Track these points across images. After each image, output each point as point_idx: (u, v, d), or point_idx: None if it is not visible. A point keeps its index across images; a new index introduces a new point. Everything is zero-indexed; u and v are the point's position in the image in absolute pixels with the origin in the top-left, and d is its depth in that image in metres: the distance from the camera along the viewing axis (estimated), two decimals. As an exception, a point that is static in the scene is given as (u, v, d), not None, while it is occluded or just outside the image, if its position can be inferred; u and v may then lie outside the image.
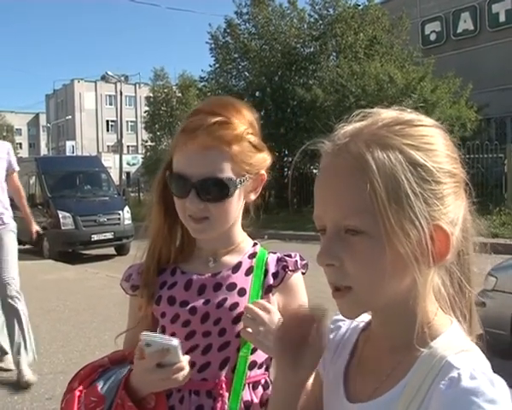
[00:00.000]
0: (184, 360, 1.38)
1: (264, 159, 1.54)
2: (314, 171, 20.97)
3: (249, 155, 1.48)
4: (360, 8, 25.26)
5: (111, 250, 16.55)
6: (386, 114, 0.99)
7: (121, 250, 16.51)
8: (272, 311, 1.47)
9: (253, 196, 1.57)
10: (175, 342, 1.34)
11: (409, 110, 1.00)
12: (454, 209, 0.95)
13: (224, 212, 1.48)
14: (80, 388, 1.48)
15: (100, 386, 1.46)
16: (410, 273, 0.92)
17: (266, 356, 1.56)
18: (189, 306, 1.53)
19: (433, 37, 27.82)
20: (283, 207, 20.78)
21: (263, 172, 1.55)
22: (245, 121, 1.49)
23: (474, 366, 0.87)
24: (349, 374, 1.10)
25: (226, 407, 1.47)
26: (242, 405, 1.49)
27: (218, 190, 1.45)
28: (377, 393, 0.98)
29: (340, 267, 0.94)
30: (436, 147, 0.95)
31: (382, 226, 0.90)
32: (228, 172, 1.44)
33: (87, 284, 11.47)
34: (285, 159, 22.12)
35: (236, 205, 1.51)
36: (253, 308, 1.47)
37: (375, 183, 0.89)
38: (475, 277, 1.06)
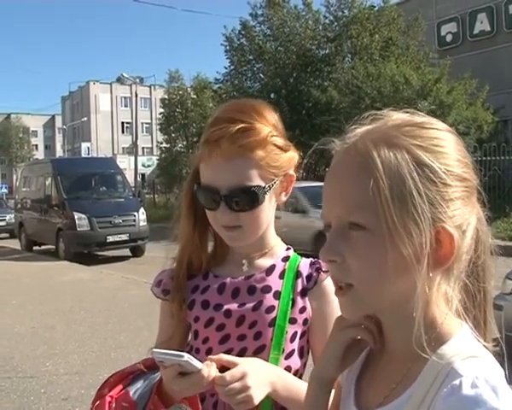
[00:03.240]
0: (204, 368, 1.29)
1: (290, 158, 1.50)
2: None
3: (275, 157, 1.45)
4: (375, 9, 25.25)
5: (126, 252, 16.65)
6: (397, 116, 0.99)
7: (136, 252, 16.60)
8: (241, 376, 1.30)
9: (284, 197, 1.53)
10: (184, 357, 1.27)
11: (421, 114, 1.00)
12: (462, 214, 0.93)
13: (256, 219, 1.46)
14: (111, 394, 1.44)
15: (132, 392, 1.43)
16: (413, 275, 0.91)
17: (302, 363, 1.52)
18: (224, 309, 1.50)
19: (449, 38, 27.64)
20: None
21: (291, 172, 1.51)
22: (268, 124, 1.45)
23: (478, 374, 0.84)
24: (362, 382, 1.08)
25: (259, 408, 1.40)
26: (278, 408, 1.45)
27: (247, 199, 1.42)
28: (386, 401, 0.96)
29: (342, 264, 0.94)
30: (446, 150, 0.93)
31: (385, 224, 0.89)
32: (256, 179, 1.42)
33: (102, 285, 11.54)
34: (300, 161, 21.89)
35: (268, 210, 1.48)
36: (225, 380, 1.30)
37: (380, 180, 0.89)
38: (492, 280, 1.04)
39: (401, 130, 0.94)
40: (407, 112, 1.00)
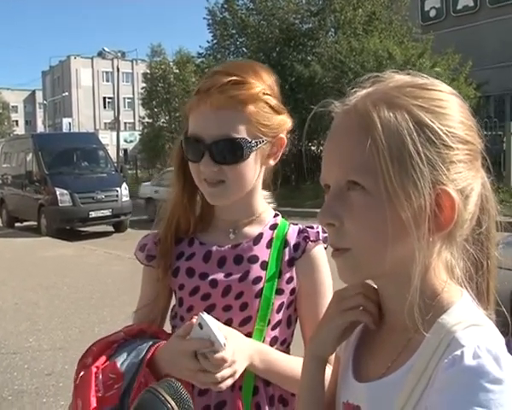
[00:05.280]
0: (225, 372, 1.27)
1: (283, 121, 1.46)
2: (312, 148, 20.92)
3: (266, 116, 1.41)
4: (359, -17, 25.03)
5: (109, 227, 16.57)
6: (399, 77, 0.97)
7: (119, 227, 16.51)
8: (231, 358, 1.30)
9: (272, 162, 1.49)
10: (222, 339, 1.24)
11: (424, 75, 0.97)
12: (465, 178, 0.91)
13: (239, 175, 1.41)
14: (96, 364, 1.40)
15: (119, 362, 1.38)
16: (412, 240, 0.88)
17: (289, 332, 1.52)
18: (210, 278, 1.47)
19: (432, 13, 27.55)
20: (281, 183, 20.72)
21: (282, 135, 1.47)
22: (262, 82, 1.42)
23: (480, 343, 0.82)
24: (360, 354, 1.07)
25: (241, 383, 1.42)
26: (260, 381, 1.45)
27: (232, 152, 1.38)
28: (387, 372, 0.94)
29: (340, 227, 0.92)
30: (448, 111, 0.91)
31: (383, 185, 0.87)
32: (242, 132, 1.38)
33: (85, 260, 11.50)
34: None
35: (253, 169, 1.44)
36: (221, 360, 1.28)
37: (379, 140, 0.87)
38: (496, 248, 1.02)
39: (402, 90, 0.92)
40: (409, 73, 0.98)
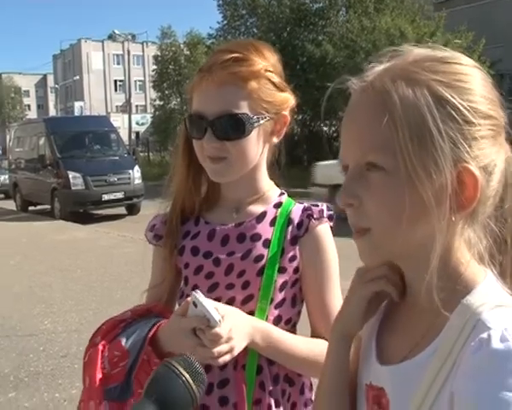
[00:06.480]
0: (222, 348, 1.29)
1: (286, 99, 1.46)
2: (324, 128, 20.83)
3: (268, 92, 1.41)
4: (370, -40, 24.75)
5: (121, 210, 16.63)
6: (418, 50, 0.93)
7: (132, 210, 16.58)
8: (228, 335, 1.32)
9: (275, 139, 1.49)
10: (216, 316, 1.27)
11: (444, 48, 0.94)
12: (488, 155, 0.88)
13: (242, 151, 1.41)
14: (103, 342, 1.45)
15: (123, 341, 1.42)
16: (433, 219, 0.86)
17: (294, 312, 1.51)
18: (213, 257, 1.48)
19: (445, -10, 27.25)
20: (293, 164, 20.77)
21: (285, 113, 1.46)
22: (264, 60, 1.42)
23: (507, 325, 0.79)
24: (383, 335, 1.05)
25: (245, 361, 1.43)
26: (264, 360, 1.45)
27: (234, 127, 1.38)
28: (411, 355, 0.92)
29: (360, 207, 0.91)
30: (469, 85, 0.88)
31: (402, 164, 0.85)
32: (244, 108, 1.38)
33: (98, 243, 11.56)
34: (295, 116, 21.89)
35: (256, 146, 1.43)
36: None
37: (397, 118, 0.85)
38: None
39: (422, 65, 0.89)
40: (429, 47, 0.94)
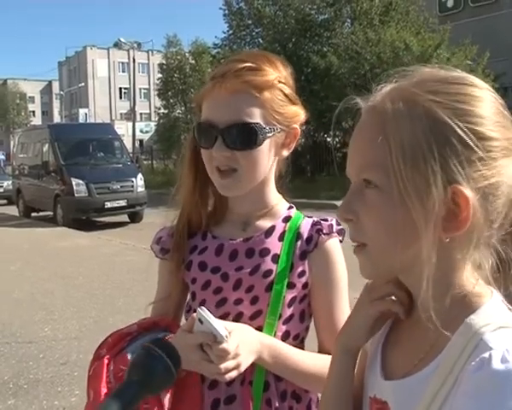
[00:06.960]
0: (228, 364, 1.27)
1: (297, 112, 1.44)
2: (328, 139, 20.85)
3: (281, 104, 1.39)
4: (376, -27, 24.84)
5: (124, 217, 16.64)
6: (426, 71, 0.94)
7: (134, 218, 16.59)
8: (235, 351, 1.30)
9: (285, 153, 1.46)
10: (223, 332, 1.26)
11: (454, 69, 0.94)
12: (489, 177, 0.86)
13: (252, 162, 1.38)
14: (108, 356, 1.43)
15: (129, 355, 1.40)
16: (422, 240, 0.86)
17: (302, 327, 1.49)
18: (221, 272, 1.46)
19: (450, 3, 27.33)
20: (297, 175, 20.78)
21: (296, 126, 1.44)
22: (277, 71, 1.40)
23: (509, 346, 0.79)
24: (388, 349, 1.05)
25: (252, 378, 1.41)
26: (271, 377, 1.44)
27: (245, 137, 1.35)
28: (414, 370, 0.93)
29: (358, 222, 0.93)
30: (470, 107, 0.87)
31: (395, 183, 0.86)
32: (257, 118, 1.35)
33: (100, 251, 11.55)
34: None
35: (267, 158, 1.40)
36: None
37: (391, 137, 0.86)
38: None
39: (423, 85, 0.89)
40: (442, 68, 0.94)
